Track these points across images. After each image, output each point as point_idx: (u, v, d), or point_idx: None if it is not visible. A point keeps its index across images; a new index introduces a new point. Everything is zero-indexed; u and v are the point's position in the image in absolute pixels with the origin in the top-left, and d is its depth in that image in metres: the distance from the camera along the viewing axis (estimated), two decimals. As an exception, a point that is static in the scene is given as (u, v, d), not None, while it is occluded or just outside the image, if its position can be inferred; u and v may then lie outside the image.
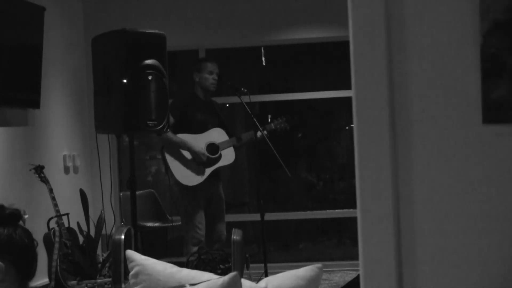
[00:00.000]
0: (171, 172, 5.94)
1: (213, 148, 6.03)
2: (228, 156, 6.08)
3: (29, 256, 2.25)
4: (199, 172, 5.97)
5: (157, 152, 8.74)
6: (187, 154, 5.96)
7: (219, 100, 6.48)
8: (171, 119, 5.84)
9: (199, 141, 5.98)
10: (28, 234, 2.26)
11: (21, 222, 2.27)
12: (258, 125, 5.90)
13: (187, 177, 5.94)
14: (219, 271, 4.89)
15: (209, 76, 6.05)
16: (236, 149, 6.13)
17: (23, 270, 2.23)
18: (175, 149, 5.95)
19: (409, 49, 1.51)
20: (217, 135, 6.08)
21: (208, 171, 5.99)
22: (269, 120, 6.44)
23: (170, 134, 5.86)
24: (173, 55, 6.43)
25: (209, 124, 6.07)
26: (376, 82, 1.51)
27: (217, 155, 6.01)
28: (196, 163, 5.96)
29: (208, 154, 5.97)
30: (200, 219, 5.97)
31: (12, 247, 2.20)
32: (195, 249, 5.59)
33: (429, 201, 1.51)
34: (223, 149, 6.05)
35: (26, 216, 2.59)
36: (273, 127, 6.20)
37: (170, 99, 5.32)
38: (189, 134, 5.97)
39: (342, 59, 7.59)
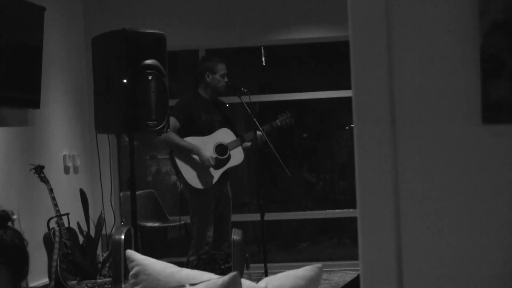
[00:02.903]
0: (182, 176, 5.89)
1: (222, 149, 6.00)
2: (237, 156, 6.05)
3: (20, 256, 2.26)
4: (210, 174, 5.94)
5: (157, 152, 8.77)
6: (196, 157, 5.93)
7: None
8: (177, 124, 5.83)
9: (207, 143, 5.94)
10: (18, 235, 2.27)
11: (10, 223, 2.28)
12: (258, 125, 5.88)
13: (199, 180, 5.89)
14: (219, 271, 4.89)
15: (222, 79, 6.03)
16: (244, 149, 6.11)
17: (15, 271, 2.23)
18: (185, 153, 5.93)
19: (409, 49, 1.51)
20: (224, 135, 6.04)
21: (219, 172, 5.96)
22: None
23: (177, 139, 5.84)
24: (173, 55, 6.43)
25: (215, 123, 6.04)
26: (376, 82, 1.51)
27: (226, 156, 5.99)
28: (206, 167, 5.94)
29: (217, 156, 5.95)
30: (211, 221, 5.96)
31: (4, 248, 2.21)
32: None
33: (429, 201, 1.51)
34: (231, 149, 6.02)
35: (14, 217, 2.59)
36: (279, 124, 6.19)
37: (170, 99, 5.31)
38: (197, 137, 5.94)
39: (342, 59, 7.59)
